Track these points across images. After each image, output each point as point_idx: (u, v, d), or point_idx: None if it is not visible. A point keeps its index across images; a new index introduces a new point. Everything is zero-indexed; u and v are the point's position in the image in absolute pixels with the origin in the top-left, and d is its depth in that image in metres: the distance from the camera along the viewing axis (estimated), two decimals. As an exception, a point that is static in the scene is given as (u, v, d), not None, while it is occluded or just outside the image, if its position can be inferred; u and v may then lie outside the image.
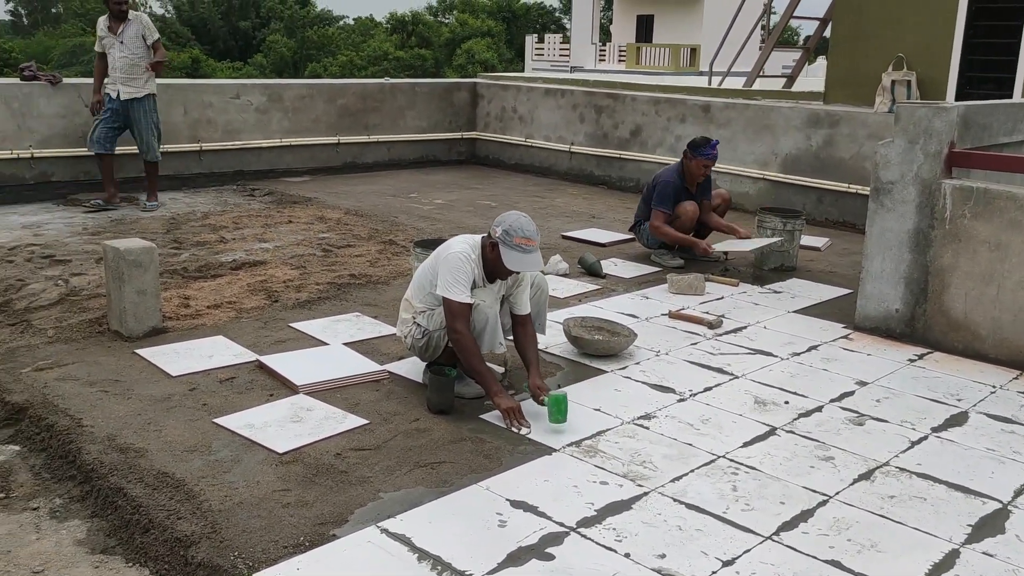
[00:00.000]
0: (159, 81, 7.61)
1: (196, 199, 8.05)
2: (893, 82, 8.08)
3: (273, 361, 4.10)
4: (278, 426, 3.48)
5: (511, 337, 3.92)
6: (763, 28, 15.47)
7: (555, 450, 3.38)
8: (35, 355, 4.16)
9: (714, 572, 2.63)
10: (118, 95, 7.29)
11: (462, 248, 3.67)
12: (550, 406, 3.53)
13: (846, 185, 7.67)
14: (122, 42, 7.22)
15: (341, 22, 49.44)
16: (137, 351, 4.21)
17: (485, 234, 3.74)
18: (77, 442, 3.29)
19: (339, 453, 3.29)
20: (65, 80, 7.92)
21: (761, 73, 11.98)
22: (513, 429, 3.52)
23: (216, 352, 4.24)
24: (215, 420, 3.51)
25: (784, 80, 12.51)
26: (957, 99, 7.83)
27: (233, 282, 5.41)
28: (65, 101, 7.80)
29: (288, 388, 3.87)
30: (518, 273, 3.76)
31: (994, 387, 4.21)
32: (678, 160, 6.34)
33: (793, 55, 16.44)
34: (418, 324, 3.81)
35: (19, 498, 3.03)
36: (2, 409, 3.63)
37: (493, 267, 3.68)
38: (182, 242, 6.36)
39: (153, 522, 2.79)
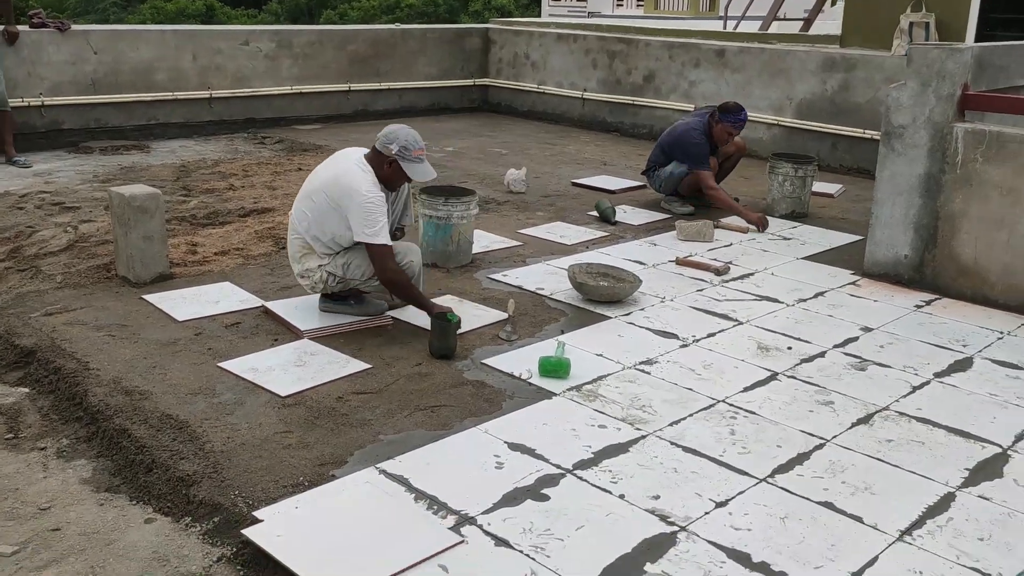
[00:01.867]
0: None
1: (206, 147, 8.05)
2: (911, 24, 7.88)
3: (278, 307, 4.13)
4: (281, 370, 3.51)
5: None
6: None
7: (555, 394, 3.40)
8: (44, 300, 4.21)
9: (707, 512, 2.66)
10: None
11: (368, 188, 3.69)
12: (551, 365, 3.53)
13: (861, 131, 7.55)
14: None
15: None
16: (144, 296, 4.25)
17: (366, 150, 3.83)
18: (84, 385, 3.35)
19: (341, 396, 3.32)
20: (73, 27, 7.89)
21: (779, 16, 11.74)
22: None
23: (222, 298, 4.28)
24: (220, 364, 3.55)
25: (801, 23, 12.25)
26: (977, 41, 7.64)
27: (241, 229, 5.43)
28: (74, 48, 7.77)
29: (292, 333, 3.90)
30: (406, 183, 3.98)
31: (1001, 333, 4.18)
32: (701, 112, 6.24)
33: (813, -2, 16.07)
34: (332, 274, 3.90)
35: (27, 438, 3.09)
36: (12, 352, 3.69)
37: (387, 181, 3.81)
38: (191, 189, 6.37)
39: (156, 462, 2.85)
